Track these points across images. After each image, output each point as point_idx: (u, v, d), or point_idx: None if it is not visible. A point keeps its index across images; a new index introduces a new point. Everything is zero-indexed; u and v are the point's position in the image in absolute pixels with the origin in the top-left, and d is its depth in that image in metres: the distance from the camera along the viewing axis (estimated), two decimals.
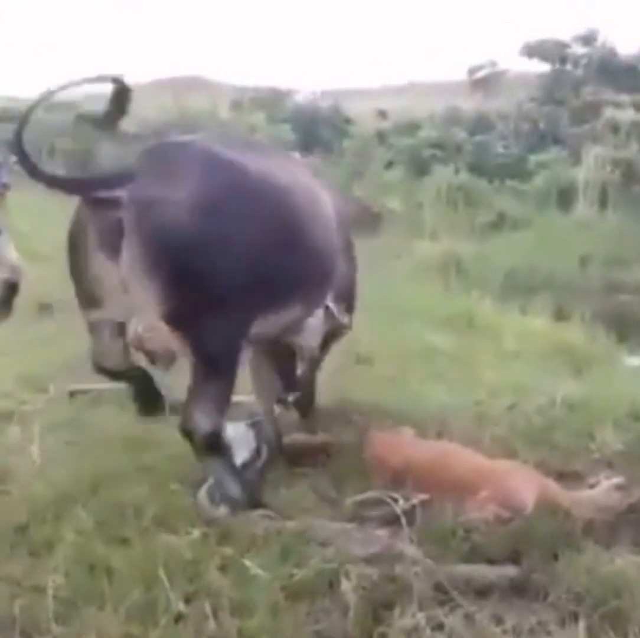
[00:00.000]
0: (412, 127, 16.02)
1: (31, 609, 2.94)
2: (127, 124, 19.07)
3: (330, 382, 5.23)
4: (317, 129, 15.48)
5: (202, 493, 3.69)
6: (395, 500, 3.58)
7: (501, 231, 13.01)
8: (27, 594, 3.03)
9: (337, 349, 6.13)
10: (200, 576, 3.08)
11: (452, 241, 11.30)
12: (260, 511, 3.46)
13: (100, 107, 25.52)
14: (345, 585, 3.00)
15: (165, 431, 4.66)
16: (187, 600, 2.98)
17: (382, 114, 18.66)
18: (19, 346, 6.10)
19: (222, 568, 3.13)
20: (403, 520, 3.41)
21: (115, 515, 3.53)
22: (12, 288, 7.55)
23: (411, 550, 3.17)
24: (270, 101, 18.61)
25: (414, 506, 3.55)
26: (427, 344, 6.55)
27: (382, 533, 3.38)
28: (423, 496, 3.57)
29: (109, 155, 15.97)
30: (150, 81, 40.74)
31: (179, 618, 2.91)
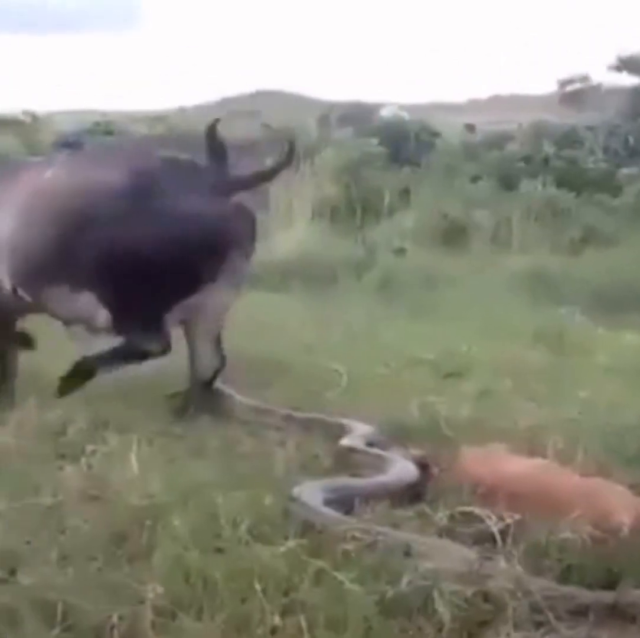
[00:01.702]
0: (499, 141, 15.93)
1: (130, 617, 2.99)
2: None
3: (419, 396, 5.24)
4: (404, 143, 15.51)
5: (294, 494, 3.73)
6: (488, 517, 3.55)
7: (589, 246, 12.82)
8: (126, 602, 3.09)
9: (423, 363, 6.16)
10: (294, 589, 3.10)
11: (540, 255, 11.20)
12: (354, 523, 3.48)
13: (190, 120, 26.03)
14: (439, 603, 2.99)
15: (257, 441, 4.76)
16: (282, 614, 3.00)
17: (470, 128, 18.58)
18: None
19: (316, 582, 3.15)
20: (498, 538, 3.39)
21: (210, 524, 3.58)
22: None
23: (506, 568, 3.15)
24: (358, 116, 18.71)
25: (507, 525, 3.52)
26: (516, 360, 6.50)
27: (474, 550, 3.36)
28: (517, 515, 3.54)
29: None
30: (239, 94, 41.34)
31: (274, 631, 2.93)
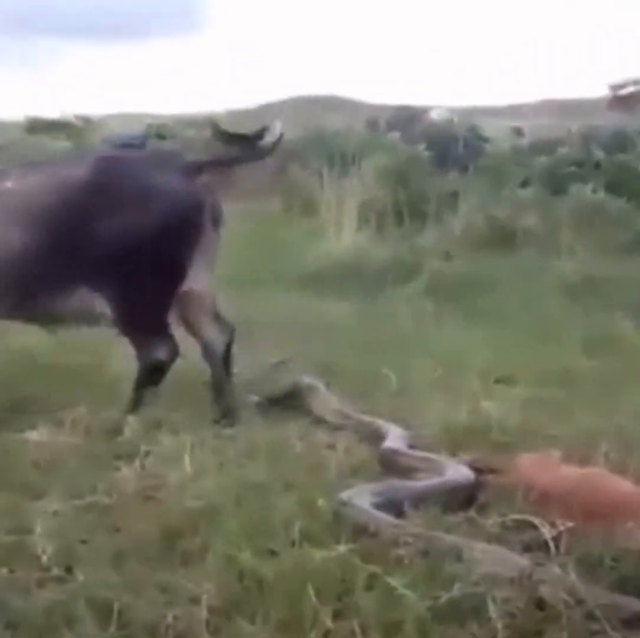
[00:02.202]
0: (548, 146, 15.80)
1: (185, 617, 3.03)
2: (264, 142, 19.42)
3: (469, 401, 5.23)
4: (452, 147, 15.46)
5: (344, 497, 3.74)
6: (541, 525, 3.54)
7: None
8: (181, 602, 3.12)
9: (473, 368, 6.13)
10: (347, 593, 3.12)
11: (590, 261, 11.08)
12: (406, 527, 3.48)
13: (239, 123, 26.19)
14: (492, 610, 2.99)
15: (307, 443, 4.78)
16: (335, 617, 3.01)
17: (518, 132, 18.47)
18: None
19: (368, 586, 3.16)
20: (551, 546, 3.38)
21: (262, 527, 3.61)
22: None
23: (560, 576, 3.13)
24: (406, 120, 18.69)
25: (560, 532, 3.50)
26: (567, 366, 6.44)
27: (527, 557, 3.34)
28: (570, 523, 3.52)
29: (248, 168, 16.25)
30: (287, 98, 41.48)
31: (326, 634, 2.95)
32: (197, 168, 5.34)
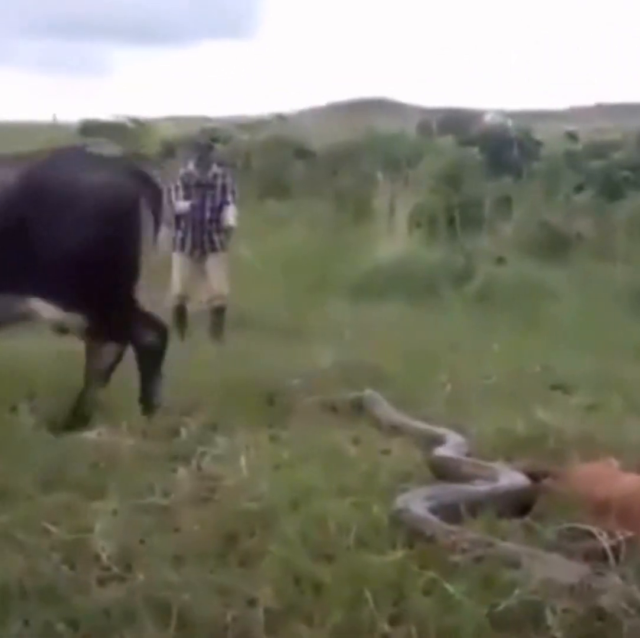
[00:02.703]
0: (603, 149, 15.61)
1: (243, 620, 3.05)
2: (314, 144, 19.48)
3: (525, 408, 5.20)
4: (505, 151, 15.34)
5: (400, 502, 3.75)
6: (599, 534, 3.51)
7: None
8: (238, 604, 3.14)
9: (528, 374, 6.10)
10: (404, 598, 3.12)
11: None
12: (463, 532, 3.48)
13: (290, 127, 26.32)
14: (551, 618, 2.97)
15: (361, 448, 4.79)
16: (392, 622, 3.02)
17: (572, 136, 18.27)
18: (219, 360, 6.36)
19: (425, 592, 3.16)
20: (610, 555, 3.35)
21: (318, 530, 3.63)
22: (220, 313, 7.98)
23: (620, 585, 3.11)
24: (459, 123, 18.58)
25: (618, 542, 3.47)
26: (622, 373, 6.38)
27: (585, 566, 3.32)
28: (629, 532, 3.49)
29: (299, 174, 16.34)
30: (338, 101, 41.53)
31: None
32: (130, 166, 5.32)
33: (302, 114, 39.20)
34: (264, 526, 3.67)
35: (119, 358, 5.27)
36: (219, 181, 8.00)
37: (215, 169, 8.12)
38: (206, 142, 8.28)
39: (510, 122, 17.41)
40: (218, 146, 19.63)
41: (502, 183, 13.60)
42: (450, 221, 12.79)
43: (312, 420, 5.24)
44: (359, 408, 5.34)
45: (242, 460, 4.30)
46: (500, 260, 10.90)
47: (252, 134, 20.61)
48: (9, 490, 4.08)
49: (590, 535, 3.54)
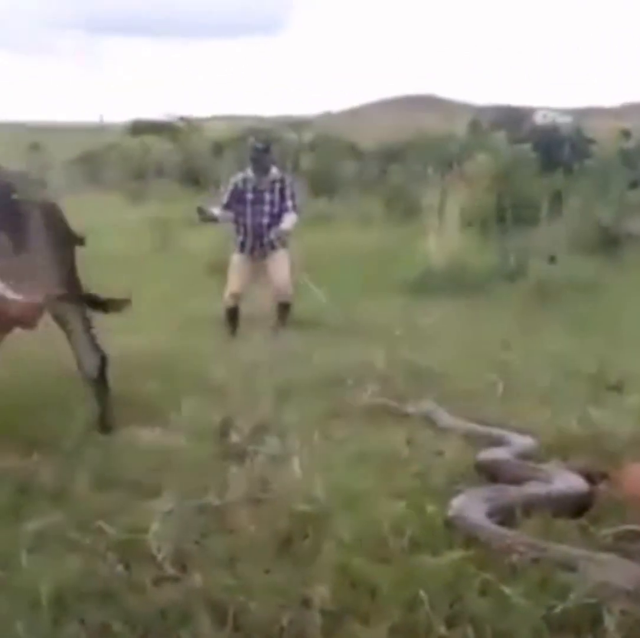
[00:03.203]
0: None
1: (298, 621, 3.05)
2: (363, 142, 19.48)
3: (580, 408, 5.14)
4: (557, 149, 15.19)
5: (456, 504, 3.72)
6: None
7: None
8: (293, 605, 3.14)
9: (583, 374, 6.02)
10: (460, 600, 3.10)
11: None
12: (518, 537, 3.44)
13: (334, 126, 26.33)
14: (609, 621, 2.93)
15: (415, 449, 4.76)
16: (448, 624, 3.00)
17: (625, 133, 18.02)
18: (272, 359, 6.37)
19: (481, 593, 3.14)
20: None
21: (373, 532, 3.62)
22: (285, 308, 8.02)
23: None
24: (510, 120, 18.44)
25: None
26: None
27: None
28: None
29: (349, 172, 16.34)
30: (386, 98, 41.50)
31: None
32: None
33: (351, 112, 39.24)
34: (318, 527, 3.66)
35: None
36: (278, 186, 8.01)
37: (274, 174, 8.11)
38: (263, 146, 8.24)
39: (566, 119, 17.21)
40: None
41: (554, 181, 13.46)
42: (502, 219, 12.69)
43: (365, 420, 5.23)
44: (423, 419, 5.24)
45: (295, 461, 4.30)
46: (552, 258, 10.77)
47: (301, 133, 20.66)
48: (63, 490, 4.13)
49: None
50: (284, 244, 8.05)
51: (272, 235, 7.95)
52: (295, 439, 4.71)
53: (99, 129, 27.55)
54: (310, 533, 3.63)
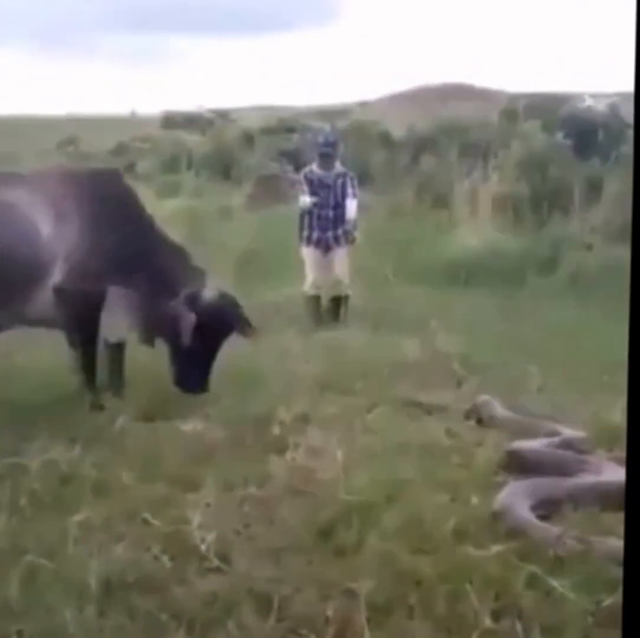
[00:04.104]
0: None
1: (344, 611, 3.04)
2: (397, 132, 19.37)
3: (624, 399, 5.08)
4: (593, 135, 15.02)
5: (502, 498, 3.69)
6: None
7: None
8: (339, 597, 3.14)
9: (625, 364, 5.95)
10: (506, 593, 3.08)
11: None
12: (564, 532, 3.41)
13: (366, 115, 26.20)
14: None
15: (456, 440, 4.74)
16: (494, 617, 2.98)
17: None
18: (309, 350, 6.37)
19: (528, 586, 3.11)
20: None
21: (416, 524, 3.60)
22: (339, 301, 8.08)
23: None
24: (546, 108, 18.23)
25: None
26: None
27: None
28: None
29: (381, 161, 16.25)
30: (418, 88, 41.16)
31: (486, 633, 2.91)
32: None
33: (384, 101, 39.03)
34: (361, 518, 3.65)
35: None
36: (340, 181, 8.15)
37: (338, 168, 8.24)
38: (331, 141, 8.38)
39: (597, 105, 17.00)
40: (294, 136, 19.72)
41: (590, 168, 13.30)
42: (537, 207, 12.57)
43: (403, 412, 5.21)
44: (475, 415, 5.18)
45: (338, 453, 4.29)
46: (588, 247, 10.65)
47: (334, 122, 20.58)
48: (106, 482, 4.15)
49: None
50: (348, 239, 8.16)
51: (339, 230, 8.04)
52: (335, 430, 4.70)
53: (132, 122, 27.66)
54: (353, 524, 3.62)
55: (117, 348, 5.52)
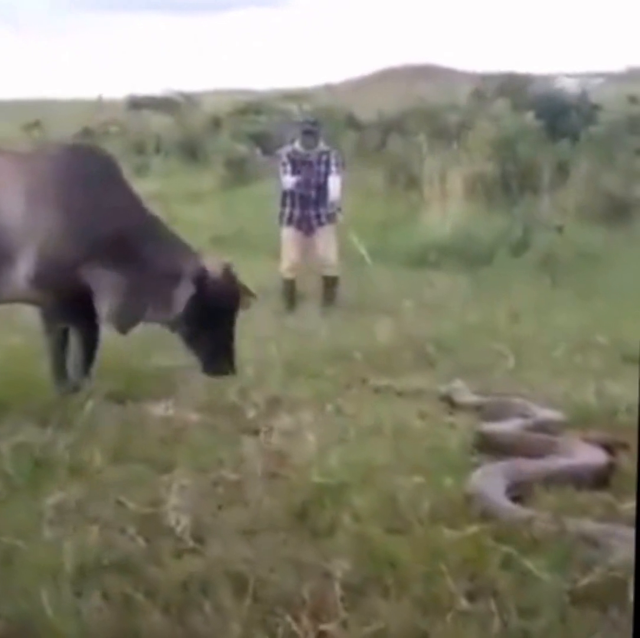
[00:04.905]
0: None
1: (319, 592, 3.04)
2: (364, 114, 19.30)
3: (595, 380, 5.12)
4: (563, 116, 15.01)
5: (475, 481, 3.71)
6: None
7: None
8: (312, 577, 3.14)
9: (596, 345, 5.98)
10: (481, 574, 3.10)
11: None
12: (538, 515, 3.43)
13: (332, 97, 26.08)
14: (634, 596, 2.92)
15: (428, 422, 4.75)
16: (470, 597, 2.99)
17: (632, 99, 17.84)
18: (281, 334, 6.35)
19: (503, 567, 3.13)
20: None
21: (389, 505, 3.61)
22: (332, 283, 8.03)
23: None
24: (514, 88, 18.25)
25: None
26: None
27: None
28: None
29: (349, 143, 16.19)
30: (384, 69, 41.11)
31: (462, 613, 2.92)
32: None
33: (351, 84, 38.92)
34: (334, 500, 3.65)
35: None
36: (324, 158, 8.08)
37: (322, 147, 8.18)
38: (314, 119, 8.30)
39: (568, 86, 16.98)
40: (262, 118, 19.61)
41: (560, 149, 13.31)
42: (507, 189, 12.58)
43: (375, 394, 5.21)
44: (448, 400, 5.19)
45: (310, 435, 4.28)
46: (558, 228, 10.67)
47: (300, 105, 20.48)
48: (79, 464, 4.12)
49: None
50: (331, 219, 8.08)
51: (322, 210, 7.98)
52: (307, 413, 4.70)
53: (98, 105, 27.34)
54: (327, 505, 3.62)
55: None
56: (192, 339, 5.06)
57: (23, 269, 4.87)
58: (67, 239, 4.91)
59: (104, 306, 5.01)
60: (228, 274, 5.11)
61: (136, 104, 28.62)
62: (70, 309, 5.04)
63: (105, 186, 5.10)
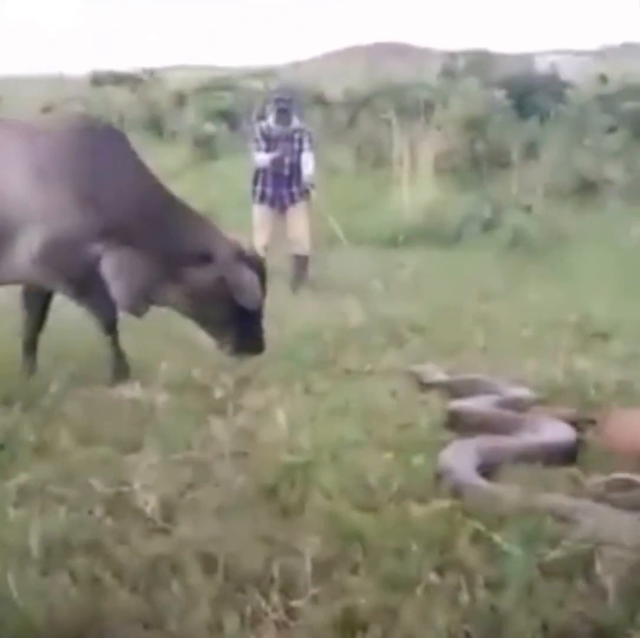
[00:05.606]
0: (635, 92, 15.14)
1: (288, 570, 3.03)
2: (332, 91, 19.19)
3: (564, 358, 5.14)
4: (532, 94, 15.01)
5: (445, 458, 3.71)
6: None
7: None
8: (282, 554, 3.13)
9: (565, 324, 6.01)
10: (450, 549, 3.10)
11: None
12: (507, 491, 3.44)
13: (299, 75, 25.91)
14: (601, 568, 2.94)
15: (398, 400, 4.75)
16: (439, 572, 3.00)
17: (602, 78, 17.86)
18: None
19: (472, 542, 3.14)
20: None
21: (359, 482, 3.61)
22: (303, 262, 8.00)
23: None
24: (484, 66, 18.22)
25: None
26: None
27: (633, 515, 3.28)
28: None
29: (315, 121, 16.13)
30: (351, 47, 41.00)
31: (431, 588, 2.93)
32: None
33: (319, 61, 38.77)
34: (304, 478, 3.65)
35: None
36: (297, 135, 8.01)
37: (296, 123, 8.10)
38: (288, 96, 8.21)
39: (536, 64, 16.94)
40: (228, 95, 19.44)
41: (529, 127, 13.32)
42: (476, 167, 12.58)
43: (347, 374, 5.20)
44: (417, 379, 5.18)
45: (279, 413, 4.26)
46: (527, 207, 10.70)
47: (266, 83, 20.33)
48: (45, 445, 4.09)
49: (637, 485, 3.51)
50: (303, 197, 8.04)
51: (294, 187, 7.92)
52: (277, 392, 4.68)
53: (60, 81, 26.97)
54: (297, 484, 3.61)
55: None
56: (221, 321, 5.02)
57: (31, 246, 4.75)
58: (78, 216, 4.76)
59: (115, 287, 4.91)
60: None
61: (99, 80, 28.26)
62: (80, 289, 4.92)
63: (119, 163, 4.98)
